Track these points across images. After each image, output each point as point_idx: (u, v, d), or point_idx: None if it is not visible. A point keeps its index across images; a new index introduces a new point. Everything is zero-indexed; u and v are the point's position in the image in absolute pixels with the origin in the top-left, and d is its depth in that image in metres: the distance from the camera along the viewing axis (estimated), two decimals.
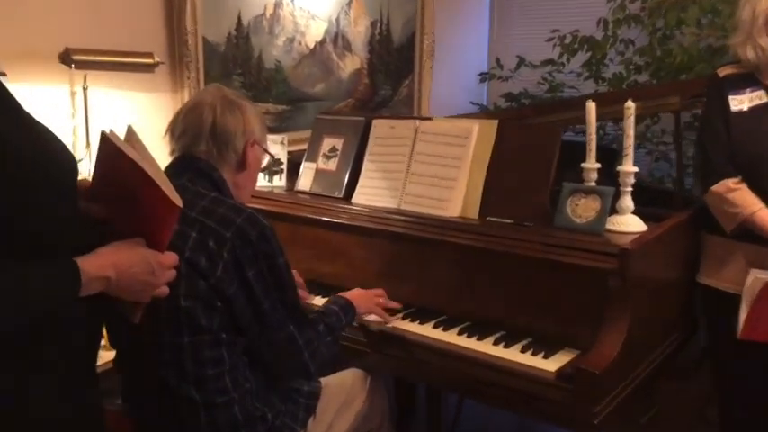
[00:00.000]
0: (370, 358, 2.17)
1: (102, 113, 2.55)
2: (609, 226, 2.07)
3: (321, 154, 2.75)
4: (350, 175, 2.62)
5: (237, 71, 3.11)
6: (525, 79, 4.08)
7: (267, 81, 3.25)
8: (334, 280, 2.50)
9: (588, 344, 1.88)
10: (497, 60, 4.22)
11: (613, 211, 2.10)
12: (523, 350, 1.97)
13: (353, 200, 2.58)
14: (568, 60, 3.73)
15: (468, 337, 2.06)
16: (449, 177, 2.34)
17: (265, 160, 2.05)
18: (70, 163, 1.28)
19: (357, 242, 2.45)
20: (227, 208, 1.71)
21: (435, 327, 2.14)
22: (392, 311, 2.21)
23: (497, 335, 2.06)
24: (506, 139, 2.30)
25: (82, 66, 2.38)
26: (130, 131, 1.41)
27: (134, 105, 2.74)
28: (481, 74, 4.46)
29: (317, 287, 2.48)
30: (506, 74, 4.11)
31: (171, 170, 1.80)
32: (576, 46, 3.63)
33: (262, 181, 2.87)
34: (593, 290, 1.91)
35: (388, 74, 3.88)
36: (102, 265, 1.22)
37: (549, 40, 3.71)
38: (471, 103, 4.35)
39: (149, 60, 2.56)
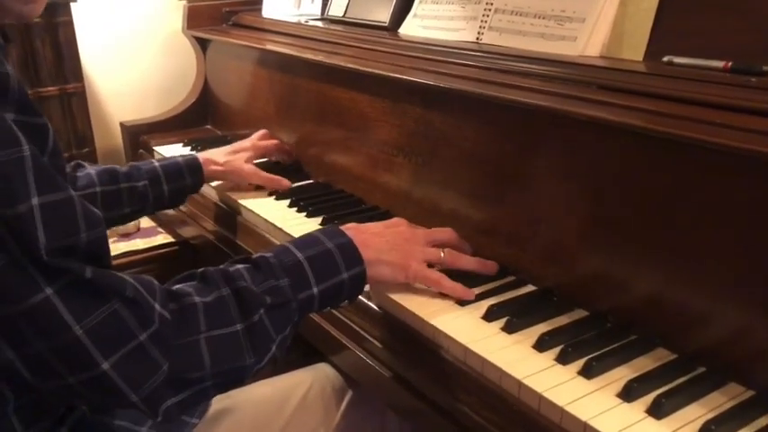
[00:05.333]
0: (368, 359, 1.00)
1: None
2: None
3: None
4: None
5: None
6: None
7: None
8: (354, 185, 1.36)
9: None
10: None
11: None
12: None
13: (402, 30, 1.37)
14: None
15: None
16: None
17: None
18: None
19: (395, 112, 1.25)
20: None
21: None
22: (472, 280, 0.99)
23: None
24: None
25: None
26: None
27: None
28: None
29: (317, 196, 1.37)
30: None
31: None
32: None
33: (288, 5, 1.75)
34: None
35: None
36: None
37: None
38: None
39: None
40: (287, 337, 0.82)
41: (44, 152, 0.68)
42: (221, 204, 1.44)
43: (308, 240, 0.89)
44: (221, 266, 0.82)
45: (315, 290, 0.84)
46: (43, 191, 0.64)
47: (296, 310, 0.82)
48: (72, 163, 1.21)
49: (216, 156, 1.38)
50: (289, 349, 0.85)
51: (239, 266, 0.82)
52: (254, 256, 0.85)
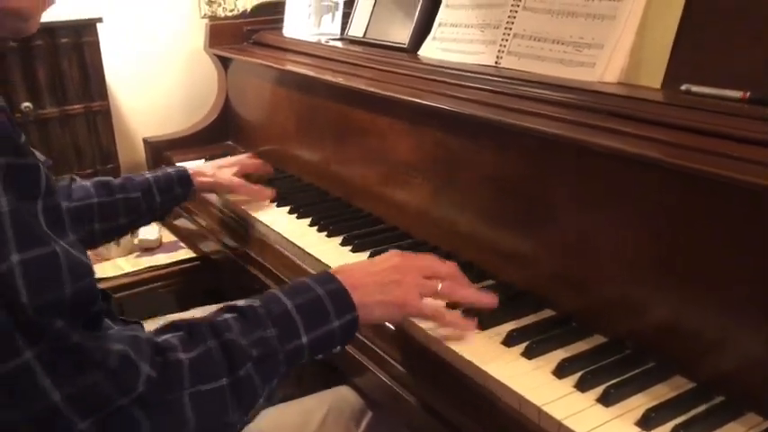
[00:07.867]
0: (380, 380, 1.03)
1: None
2: None
3: None
4: (423, 9, 1.43)
5: None
6: None
7: None
8: (372, 204, 1.38)
9: None
10: None
11: None
12: None
13: (422, 52, 1.39)
14: None
15: None
16: None
17: None
18: None
19: (414, 134, 1.27)
20: None
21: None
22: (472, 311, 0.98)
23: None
24: None
25: None
26: None
27: None
28: None
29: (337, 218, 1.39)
30: None
31: None
32: None
33: (309, 24, 1.77)
34: None
35: None
36: None
37: None
38: None
39: None
40: (274, 390, 0.80)
41: (37, 195, 0.64)
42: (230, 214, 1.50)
43: (297, 287, 0.86)
44: (208, 316, 0.80)
45: (304, 339, 0.81)
46: (24, 246, 0.60)
47: (283, 361, 0.79)
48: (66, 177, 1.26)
49: (204, 168, 1.48)
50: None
51: (227, 316, 0.79)
52: (242, 303, 0.82)
